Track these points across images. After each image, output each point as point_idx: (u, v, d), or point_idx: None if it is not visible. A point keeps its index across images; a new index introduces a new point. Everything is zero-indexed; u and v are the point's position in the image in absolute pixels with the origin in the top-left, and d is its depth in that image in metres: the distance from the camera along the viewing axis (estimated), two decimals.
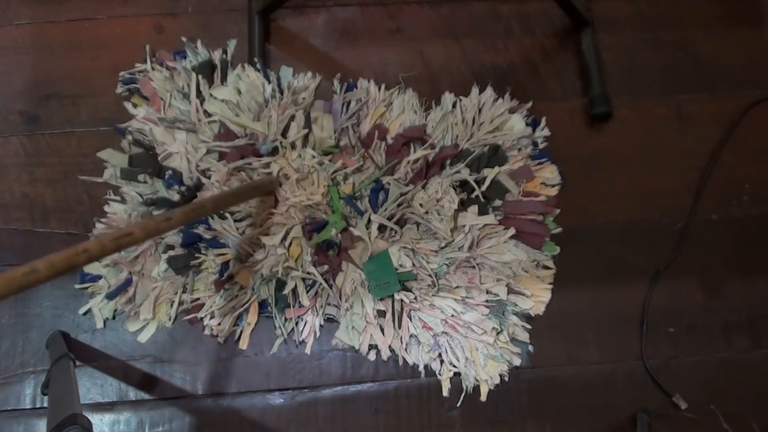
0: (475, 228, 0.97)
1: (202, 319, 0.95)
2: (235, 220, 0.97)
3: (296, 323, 0.96)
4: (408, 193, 0.98)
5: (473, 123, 1.03)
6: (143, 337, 0.95)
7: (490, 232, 0.98)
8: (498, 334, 0.95)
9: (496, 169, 1.00)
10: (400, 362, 0.95)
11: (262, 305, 0.96)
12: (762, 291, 1.01)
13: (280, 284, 0.95)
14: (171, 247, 0.96)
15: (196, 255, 0.96)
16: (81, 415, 0.69)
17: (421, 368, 0.95)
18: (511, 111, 1.05)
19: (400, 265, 0.96)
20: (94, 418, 0.93)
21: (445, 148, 1.01)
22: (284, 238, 0.96)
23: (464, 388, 0.94)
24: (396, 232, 0.97)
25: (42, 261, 0.50)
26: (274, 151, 1.00)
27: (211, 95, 1.03)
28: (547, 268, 0.99)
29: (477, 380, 0.94)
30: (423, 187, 0.99)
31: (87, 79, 1.06)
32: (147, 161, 1.00)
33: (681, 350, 0.98)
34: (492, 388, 0.94)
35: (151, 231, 0.64)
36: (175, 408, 0.93)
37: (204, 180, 0.99)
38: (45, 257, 0.51)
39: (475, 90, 1.06)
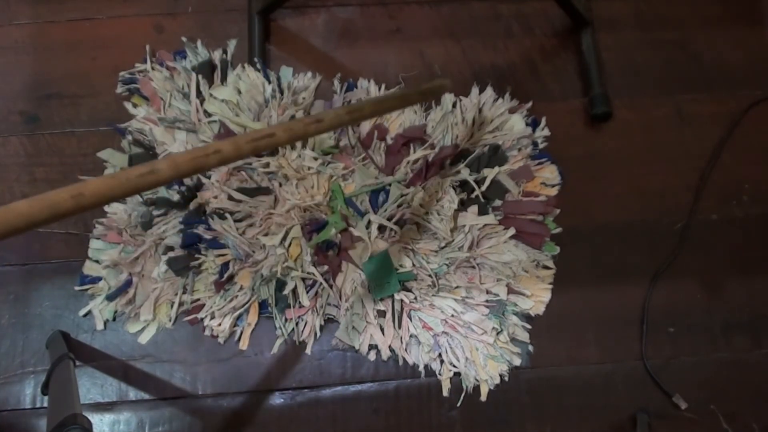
0: (475, 228, 0.97)
1: (202, 319, 0.95)
2: (235, 220, 0.97)
3: (296, 323, 0.96)
4: (408, 193, 0.98)
5: (473, 123, 1.03)
6: (144, 338, 0.95)
7: (490, 232, 0.98)
8: (498, 334, 0.95)
9: (496, 169, 1.00)
10: (400, 362, 0.95)
11: (263, 305, 0.96)
12: (762, 291, 1.01)
13: (280, 284, 0.95)
14: (171, 248, 0.96)
15: (196, 256, 0.96)
16: (81, 415, 0.69)
17: (421, 368, 0.95)
18: (511, 111, 1.05)
19: (400, 265, 0.96)
20: (94, 418, 0.93)
21: (445, 148, 1.01)
22: (284, 239, 0.96)
23: (464, 388, 0.94)
24: (396, 232, 0.97)
25: (164, 160, 0.42)
26: (273, 151, 1.00)
27: (211, 95, 1.03)
28: (547, 268, 0.99)
29: (477, 380, 0.94)
30: (423, 188, 0.99)
31: (87, 79, 1.06)
32: (147, 161, 1.00)
33: (681, 350, 0.98)
34: (492, 388, 0.94)
35: (298, 133, 0.56)
36: (175, 408, 0.93)
37: (204, 180, 0.99)
38: (168, 157, 0.42)
39: (475, 90, 1.06)
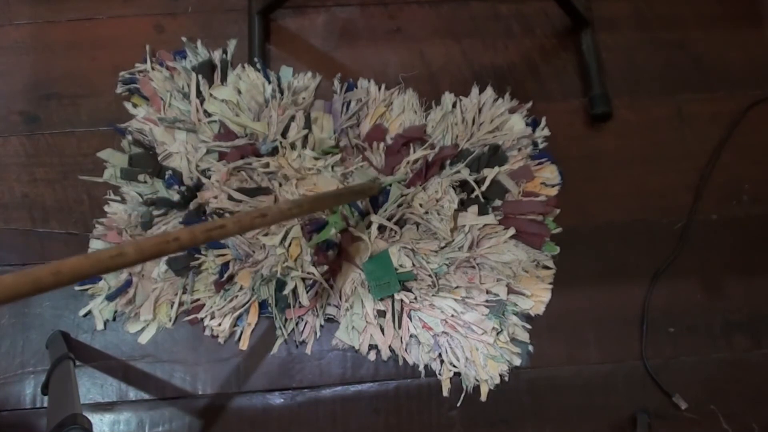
0: (475, 228, 0.97)
1: (202, 319, 0.95)
2: None
3: (296, 323, 0.96)
4: (408, 193, 0.97)
5: (473, 123, 1.03)
6: (144, 338, 0.95)
7: (490, 232, 0.98)
8: (498, 334, 0.95)
9: (496, 169, 1.00)
10: (400, 362, 0.95)
11: (263, 305, 0.96)
12: (762, 291, 1.01)
13: (280, 284, 0.95)
14: None
15: (196, 256, 0.96)
16: (81, 415, 0.69)
17: (421, 368, 0.95)
18: (511, 111, 1.05)
19: (400, 265, 0.96)
20: (94, 418, 0.93)
21: (445, 148, 1.01)
22: (284, 239, 0.96)
23: (464, 388, 0.94)
24: (396, 232, 0.97)
25: (131, 245, 0.47)
26: (273, 152, 1.00)
27: (211, 95, 1.03)
28: (547, 268, 0.99)
29: (477, 380, 0.94)
30: (423, 188, 0.99)
31: (87, 79, 1.06)
32: (147, 161, 1.00)
33: (681, 350, 0.98)
34: (492, 388, 0.94)
35: (245, 226, 0.62)
36: (175, 408, 0.93)
37: (204, 180, 0.99)
38: (134, 242, 0.48)
39: (475, 90, 1.06)
